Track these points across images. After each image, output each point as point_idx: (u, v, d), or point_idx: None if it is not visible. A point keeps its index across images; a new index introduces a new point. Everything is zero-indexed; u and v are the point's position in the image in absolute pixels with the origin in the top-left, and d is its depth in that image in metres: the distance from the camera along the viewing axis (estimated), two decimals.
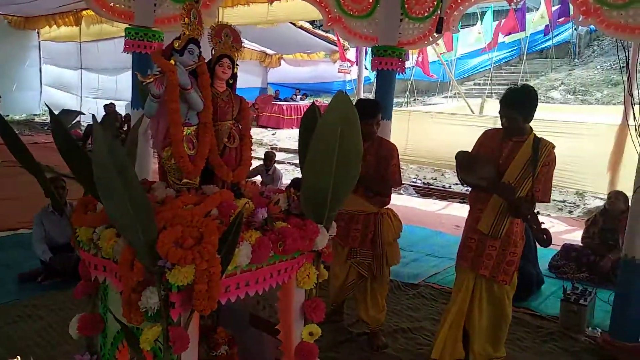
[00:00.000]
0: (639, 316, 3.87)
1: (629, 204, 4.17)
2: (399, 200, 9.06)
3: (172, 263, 1.76)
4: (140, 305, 1.82)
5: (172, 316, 1.84)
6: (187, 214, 1.89)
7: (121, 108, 12.55)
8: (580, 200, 9.16)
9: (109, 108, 11.67)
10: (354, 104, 2.15)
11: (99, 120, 2.96)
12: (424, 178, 10.94)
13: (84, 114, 14.52)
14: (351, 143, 2.13)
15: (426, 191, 10.06)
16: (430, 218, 8.13)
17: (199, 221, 1.86)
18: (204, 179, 2.29)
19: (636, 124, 4.49)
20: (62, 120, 2.31)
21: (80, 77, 16.60)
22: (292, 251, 2.20)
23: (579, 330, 4.18)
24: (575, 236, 5.92)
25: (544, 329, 4.22)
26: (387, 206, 3.75)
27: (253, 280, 2.13)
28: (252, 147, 2.48)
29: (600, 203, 7.92)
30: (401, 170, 3.71)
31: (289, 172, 10.59)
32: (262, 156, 7.61)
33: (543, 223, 3.13)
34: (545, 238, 3.10)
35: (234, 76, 2.41)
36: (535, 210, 3.17)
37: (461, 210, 7.92)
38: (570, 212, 8.83)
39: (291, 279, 2.35)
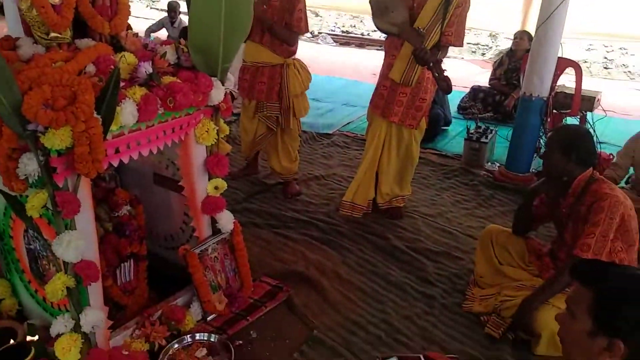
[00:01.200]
0: (530, 149, 4.20)
1: None
2: (316, 52, 8.87)
3: (44, 126, 1.64)
4: (19, 173, 1.72)
5: (57, 181, 1.76)
6: (55, 72, 1.72)
7: None
8: (493, 42, 9.34)
9: None
10: None
11: None
12: (343, 26, 10.64)
13: None
14: None
15: (344, 40, 9.86)
16: (349, 68, 8.07)
17: (70, 79, 1.70)
18: (78, 33, 2.06)
19: None
20: None
21: None
22: (184, 107, 2.11)
23: (479, 165, 4.51)
24: (486, 78, 6.11)
25: (448, 166, 4.51)
26: (295, 56, 3.62)
27: (145, 140, 2.05)
28: None
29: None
30: (307, 17, 3.53)
31: None
32: (166, 7, 7.01)
33: (445, 70, 3.16)
34: (446, 85, 3.16)
35: None
36: (447, 56, 3.18)
37: (379, 58, 7.88)
38: (483, 54, 9.03)
39: (189, 135, 2.29)
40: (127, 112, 1.85)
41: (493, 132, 4.70)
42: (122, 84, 1.86)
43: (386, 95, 3.30)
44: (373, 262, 3.04)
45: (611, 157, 3.93)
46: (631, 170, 3.69)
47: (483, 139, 4.51)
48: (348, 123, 5.57)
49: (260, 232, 3.31)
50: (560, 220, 2.58)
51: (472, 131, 4.64)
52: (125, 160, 2.01)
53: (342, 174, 4.26)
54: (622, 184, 3.74)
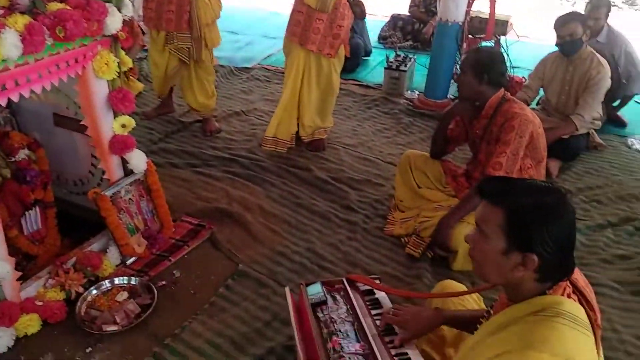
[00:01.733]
0: (447, 75, 4.26)
1: None
2: None
3: None
4: None
5: None
6: None
7: None
8: None
9: None
10: None
11: None
12: None
13: None
14: None
15: None
16: None
17: None
18: None
19: None
20: None
21: None
22: (77, 37, 1.92)
23: (399, 94, 4.54)
24: (406, 6, 6.04)
25: (369, 96, 4.51)
26: None
27: (35, 75, 1.86)
28: None
29: None
30: None
31: None
32: None
33: None
34: (360, 10, 3.12)
35: None
36: None
37: None
38: None
39: (87, 69, 2.10)
40: (8, 44, 1.66)
41: (412, 60, 4.72)
42: None
43: (303, 22, 3.19)
44: (297, 194, 3.04)
45: (523, 80, 4.07)
46: (542, 92, 3.85)
47: (402, 68, 4.52)
48: (268, 56, 5.39)
49: (179, 172, 3.20)
50: (475, 142, 2.66)
51: (391, 60, 4.63)
52: (15, 98, 1.82)
53: (264, 108, 4.15)
54: (534, 105, 3.90)
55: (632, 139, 3.95)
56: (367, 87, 4.76)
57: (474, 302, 1.83)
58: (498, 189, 1.22)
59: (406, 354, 1.53)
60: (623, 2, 9.20)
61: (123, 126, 2.30)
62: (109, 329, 2.05)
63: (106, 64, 2.13)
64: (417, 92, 4.60)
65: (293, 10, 3.27)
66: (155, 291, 2.22)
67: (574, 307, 1.18)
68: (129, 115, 2.32)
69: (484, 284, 1.60)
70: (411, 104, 4.40)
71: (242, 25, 6.11)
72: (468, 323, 1.53)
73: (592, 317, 1.22)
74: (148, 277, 2.33)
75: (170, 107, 3.92)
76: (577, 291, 1.25)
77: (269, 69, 5.03)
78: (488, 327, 1.27)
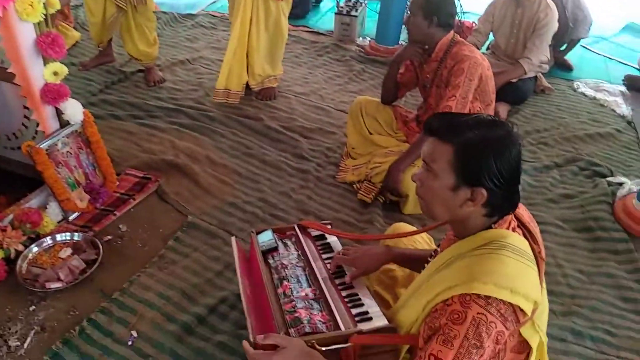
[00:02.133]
0: (398, 21, 4.18)
1: None
2: None
3: None
4: None
5: None
6: None
7: None
8: None
9: None
10: None
11: None
12: None
13: None
14: None
15: None
16: None
17: None
18: None
19: None
20: None
21: None
22: None
23: (351, 40, 4.45)
24: None
25: (320, 43, 4.40)
26: None
27: None
28: None
29: None
30: None
31: None
32: None
33: None
34: None
35: None
36: None
37: None
38: None
39: (8, 11, 1.92)
40: None
41: (363, 5, 4.60)
42: None
43: None
44: (247, 144, 2.96)
45: (474, 25, 4.05)
46: (492, 36, 3.84)
47: (353, 13, 4.40)
48: (214, 2, 5.15)
49: (122, 124, 3.05)
50: (425, 86, 2.63)
51: (342, 5, 4.50)
52: None
53: (211, 57, 3.99)
54: (484, 50, 3.90)
55: (578, 83, 4.03)
56: (318, 33, 4.63)
57: (425, 244, 1.85)
58: (446, 125, 1.19)
59: (357, 294, 1.53)
60: None
61: (55, 74, 2.14)
62: (52, 286, 1.96)
63: (30, 4, 1.95)
64: (368, 39, 4.52)
65: None
66: (101, 246, 2.14)
67: (518, 240, 1.19)
68: (62, 63, 2.16)
69: (433, 223, 1.60)
70: (363, 50, 4.32)
71: None
72: (418, 262, 1.53)
73: (536, 249, 1.23)
74: (92, 232, 2.24)
75: (110, 57, 3.70)
76: (522, 225, 1.26)
77: (215, 16, 4.80)
78: (435, 265, 1.27)
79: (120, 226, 2.30)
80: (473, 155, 1.14)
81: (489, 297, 1.09)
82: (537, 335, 1.20)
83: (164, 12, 4.58)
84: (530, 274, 1.17)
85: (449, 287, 1.14)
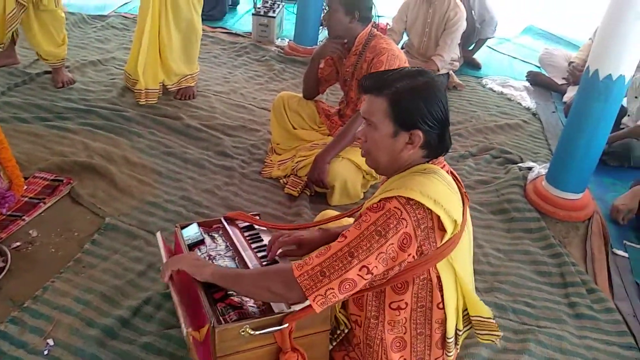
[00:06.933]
0: (316, 21, 4.24)
1: None
2: None
3: None
4: None
5: None
6: None
7: None
8: None
9: None
10: None
11: None
12: None
13: None
14: None
15: None
16: None
17: None
18: None
19: None
20: None
21: None
22: None
23: (270, 41, 4.44)
24: None
25: (238, 44, 4.35)
26: None
27: None
28: None
29: None
30: None
31: None
32: None
33: None
34: None
35: None
36: None
37: None
38: None
39: None
40: None
41: (280, 6, 4.61)
42: None
43: None
44: (167, 144, 2.86)
45: (387, 25, 4.18)
46: (406, 36, 3.98)
47: (271, 14, 4.40)
48: (125, 3, 4.95)
49: (28, 127, 2.84)
50: (346, 80, 2.67)
51: (259, 6, 4.49)
52: None
53: (124, 57, 3.81)
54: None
55: (487, 79, 4.27)
56: (236, 35, 4.59)
57: None
58: (377, 82, 1.32)
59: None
60: None
61: None
62: None
63: None
64: (287, 40, 4.53)
65: None
66: (9, 253, 1.96)
67: (448, 176, 1.33)
68: None
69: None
70: (282, 51, 4.32)
71: None
72: None
73: (462, 191, 1.37)
74: None
75: (13, 58, 3.44)
76: (452, 174, 1.39)
77: (127, 17, 4.62)
78: (369, 200, 1.34)
79: (31, 231, 2.13)
80: (405, 102, 1.27)
81: (412, 199, 1.21)
82: (450, 268, 1.30)
83: (72, 13, 4.34)
84: (455, 200, 1.29)
85: (382, 195, 1.24)
